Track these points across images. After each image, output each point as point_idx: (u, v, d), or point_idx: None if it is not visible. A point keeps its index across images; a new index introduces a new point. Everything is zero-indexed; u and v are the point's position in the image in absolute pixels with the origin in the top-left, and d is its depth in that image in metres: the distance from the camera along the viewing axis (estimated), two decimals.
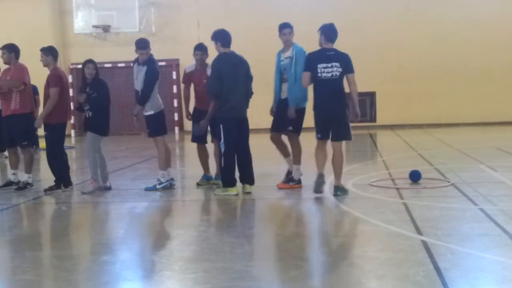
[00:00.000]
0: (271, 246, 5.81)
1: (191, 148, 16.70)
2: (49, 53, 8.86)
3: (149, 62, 8.57)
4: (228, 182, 8.18)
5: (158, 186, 8.69)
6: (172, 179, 8.85)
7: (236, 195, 8.10)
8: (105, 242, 6.04)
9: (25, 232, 6.82)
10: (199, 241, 5.90)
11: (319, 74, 7.95)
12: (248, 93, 8.32)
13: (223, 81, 8.01)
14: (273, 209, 7.76)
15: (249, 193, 8.21)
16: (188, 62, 20.77)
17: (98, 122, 8.82)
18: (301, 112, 8.41)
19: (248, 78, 8.29)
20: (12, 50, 9.06)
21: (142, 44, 8.60)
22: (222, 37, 8.20)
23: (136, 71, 8.61)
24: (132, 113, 8.82)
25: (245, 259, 5.14)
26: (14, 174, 9.33)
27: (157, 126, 8.71)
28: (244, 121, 8.30)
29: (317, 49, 8.12)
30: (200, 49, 8.91)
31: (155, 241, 6.12)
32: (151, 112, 8.62)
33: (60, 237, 6.47)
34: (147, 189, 8.69)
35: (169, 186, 8.76)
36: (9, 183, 9.27)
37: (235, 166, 8.21)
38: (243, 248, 5.54)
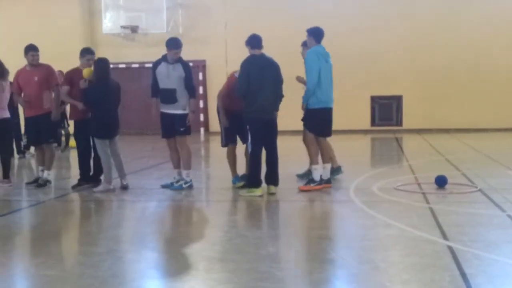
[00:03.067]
0: (295, 248, 5.79)
1: (216, 149, 16.78)
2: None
3: (182, 60, 8.66)
4: (253, 183, 8.21)
5: (184, 186, 8.75)
6: (190, 179, 8.93)
7: (261, 196, 8.11)
8: (130, 240, 6.09)
9: (52, 228, 6.89)
10: (223, 241, 5.92)
11: None
12: (277, 95, 8.31)
13: (250, 82, 8.06)
14: (297, 211, 7.74)
15: (273, 194, 8.21)
16: (215, 63, 20.97)
17: (92, 125, 8.84)
18: (312, 113, 8.43)
19: (277, 80, 8.29)
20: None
21: (179, 44, 8.67)
22: (250, 40, 8.30)
23: (167, 71, 8.63)
24: (192, 110, 8.78)
25: (269, 260, 5.13)
26: (42, 170, 9.45)
27: (189, 126, 8.78)
28: (272, 122, 8.31)
29: None
30: None
31: (179, 240, 6.13)
32: (186, 112, 8.68)
33: (86, 234, 6.53)
34: (173, 189, 8.74)
35: (191, 186, 8.85)
36: (37, 180, 9.38)
37: (261, 167, 8.24)
38: (267, 249, 5.53)
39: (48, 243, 5.99)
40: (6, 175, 9.38)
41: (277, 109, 8.42)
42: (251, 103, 8.10)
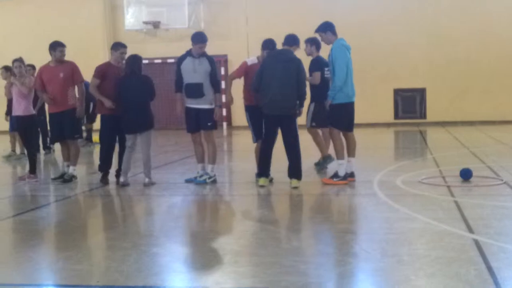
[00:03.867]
0: (318, 242, 5.81)
1: (240, 143, 16.83)
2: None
3: (207, 54, 8.70)
4: (259, 172, 8.59)
5: (208, 180, 8.81)
6: (215, 173, 8.97)
7: (262, 186, 8.34)
8: (155, 234, 6.14)
9: (78, 223, 6.99)
10: (247, 235, 5.94)
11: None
12: (292, 93, 8.27)
13: (262, 78, 8.26)
14: (320, 204, 7.74)
15: (296, 188, 8.24)
16: (236, 58, 20.96)
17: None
18: (339, 108, 8.40)
19: (293, 77, 8.24)
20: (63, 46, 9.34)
21: (204, 38, 8.72)
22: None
23: (192, 65, 8.66)
24: (217, 105, 8.83)
25: (293, 254, 5.14)
26: (68, 166, 9.55)
27: (214, 121, 8.83)
28: (287, 118, 8.32)
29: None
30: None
31: (204, 234, 6.17)
32: (212, 106, 8.71)
33: (112, 228, 6.60)
34: (197, 183, 8.78)
35: (216, 180, 8.89)
36: (63, 175, 9.48)
37: (266, 160, 8.44)
38: (291, 243, 5.55)
39: (74, 237, 6.07)
40: (33, 171, 9.50)
41: (293, 107, 8.36)
42: (262, 98, 8.33)
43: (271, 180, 8.67)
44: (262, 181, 8.47)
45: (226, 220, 6.94)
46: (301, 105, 8.52)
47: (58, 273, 4.94)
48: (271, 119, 8.32)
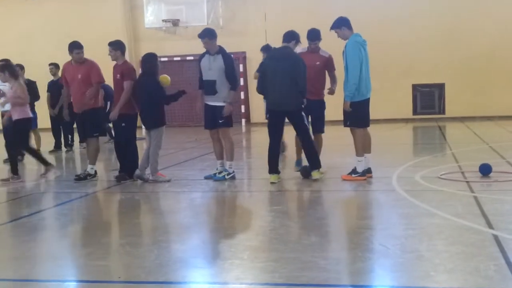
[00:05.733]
0: (338, 238, 5.83)
1: (258, 139, 16.86)
2: (118, 47, 9.11)
3: (223, 51, 8.73)
4: (269, 169, 8.59)
5: (226, 177, 8.86)
6: (233, 170, 9.03)
7: (272, 183, 8.41)
8: (175, 231, 6.20)
9: (99, 220, 7.09)
10: (266, 231, 5.98)
11: None
12: (291, 87, 8.29)
13: (265, 76, 8.48)
14: (339, 200, 7.75)
15: (317, 180, 8.29)
16: (255, 55, 20.96)
17: None
18: (355, 106, 8.39)
19: (292, 73, 8.27)
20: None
21: (204, 33, 8.77)
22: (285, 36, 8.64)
23: (208, 62, 8.73)
24: (228, 102, 8.82)
25: (312, 250, 5.17)
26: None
27: (229, 118, 8.86)
28: (293, 113, 8.39)
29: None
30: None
31: (224, 230, 6.22)
32: (220, 103, 8.76)
33: (132, 225, 6.67)
34: (216, 179, 8.84)
35: (235, 177, 8.95)
36: (88, 175, 9.54)
37: (273, 157, 8.55)
38: (310, 239, 5.57)
39: (96, 234, 6.15)
40: (16, 172, 9.62)
41: (295, 102, 8.38)
42: (267, 95, 8.57)
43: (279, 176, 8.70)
44: (273, 178, 8.50)
45: (245, 216, 6.98)
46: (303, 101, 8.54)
47: (80, 269, 5.02)
48: (277, 114, 8.42)
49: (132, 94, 8.94)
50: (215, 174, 8.97)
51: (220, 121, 8.80)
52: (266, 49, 10.24)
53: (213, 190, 8.40)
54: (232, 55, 9.06)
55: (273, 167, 8.54)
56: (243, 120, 20.72)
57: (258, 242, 5.56)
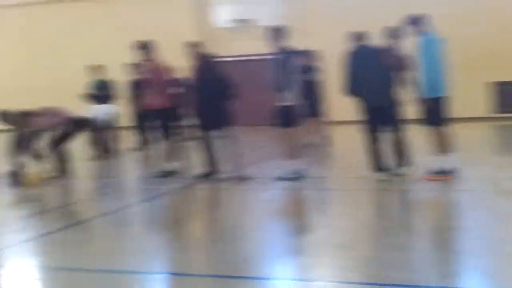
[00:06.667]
0: (423, 238, 5.76)
1: (338, 138, 16.79)
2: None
3: (287, 50, 8.74)
4: (374, 168, 8.42)
5: (290, 176, 8.75)
6: (304, 169, 8.93)
7: (384, 181, 8.21)
8: (259, 227, 6.31)
9: (183, 215, 7.33)
10: (349, 230, 5.99)
11: None
12: (385, 82, 8.27)
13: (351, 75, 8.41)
14: (424, 200, 7.63)
15: (402, 175, 8.27)
16: (325, 54, 20.80)
17: None
18: (426, 103, 8.27)
19: (380, 67, 8.27)
20: (145, 47, 9.55)
21: (271, 33, 8.78)
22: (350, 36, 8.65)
23: (276, 62, 8.78)
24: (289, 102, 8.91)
25: (397, 249, 5.14)
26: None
27: (287, 118, 8.77)
28: (384, 109, 8.32)
29: None
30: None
31: (306, 228, 6.29)
32: (283, 103, 8.74)
33: (218, 220, 6.82)
34: (280, 179, 8.78)
35: (301, 177, 8.79)
36: (171, 171, 9.78)
37: (376, 154, 8.40)
38: (395, 239, 5.54)
39: (185, 229, 6.37)
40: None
41: (388, 96, 8.32)
42: (360, 93, 8.40)
43: (391, 173, 8.50)
44: (380, 175, 8.37)
45: (327, 214, 6.99)
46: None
47: (169, 262, 5.21)
48: (369, 110, 8.35)
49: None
50: (289, 173, 8.95)
51: (284, 121, 8.81)
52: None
53: (290, 188, 8.43)
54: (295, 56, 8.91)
55: (378, 165, 8.44)
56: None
57: (340, 240, 5.58)
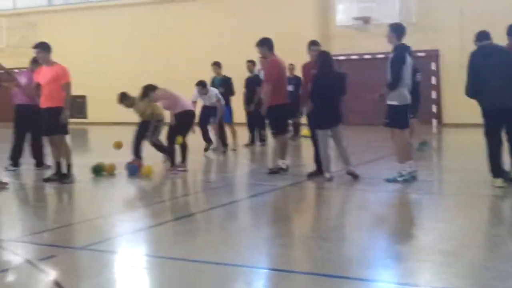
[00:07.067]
0: None
1: (449, 141, 16.31)
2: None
3: (396, 48, 8.55)
4: (492, 171, 8.00)
5: (398, 178, 8.55)
6: (414, 171, 8.69)
7: (500, 187, 7.83)
8: (363, 228, 6.24)
9: (289, 212, 7.39)
10: (458, 236, 5.80)
11: None
12: (509, 83, 7.87)
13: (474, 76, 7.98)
14: None
15: (501, 187, 7.86)
16: (449, 52, 20.24)
17: (314, 116, 9.21)
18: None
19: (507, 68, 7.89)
20: (264, 43, 9.64)
21: (402, 31, 8.62)
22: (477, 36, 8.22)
23: (393, 59, 8.62)
24: (379, 93, 8.68)
25: (511, 259, 4.93)
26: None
27: (397, 118, 8.56)
28: (508, 112, 7.92)
29: None
30: None
31: (412, 231, 6.16)
32: (395, 103, 8.55)
33: (322, 219, 6.82)
34: (388, 181, 8.64)
35: (410, 179, 8.56)
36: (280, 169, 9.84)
37: (497, 156, 7.96)
38: (508, 248, 5.31)
39: (287, 226, 6.42)
40: (173, 163, 10.08)
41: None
42: (483, 96, 7.94)
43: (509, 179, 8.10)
44: (499, 182, 7.94)
45: (437, 219, 6.74)
46: None
47: (274, 258, 5.27)
48: (493, 114, 7.93)
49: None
50: (396, 175, 8.73)
51: (385, 120, 8.61)
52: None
53: (399, 190, 8.23)
54: (401, 54, 8.54)
55: (498, 170, 8.04)
56: (434, 121, 20.05)
57: (450, 246, 5.41)
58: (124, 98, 10.63)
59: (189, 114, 10.29)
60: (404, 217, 7.06)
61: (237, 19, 22.37)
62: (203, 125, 12.94)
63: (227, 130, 13.60)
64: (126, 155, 10.44)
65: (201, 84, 12.51)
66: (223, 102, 12.87)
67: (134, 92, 10.82)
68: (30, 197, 8.72)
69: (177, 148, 10.18)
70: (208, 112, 12.83)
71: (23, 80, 10.25)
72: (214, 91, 12.75)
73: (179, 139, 10.12)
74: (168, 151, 10.28)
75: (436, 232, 6.06)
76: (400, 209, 7.55)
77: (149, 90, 10.23)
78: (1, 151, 9.10)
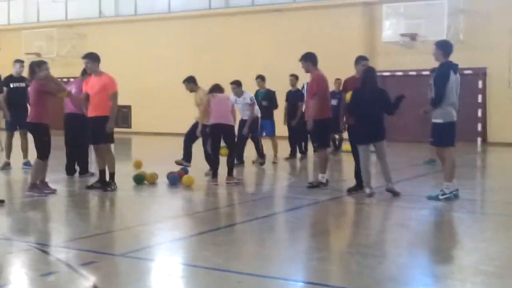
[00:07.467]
0: None
1: (494, 160, 15.99)
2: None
3: (440, 65, 8.46)
4: None
5: (440, 197, 8.42)
6: (456, 190, 8.54)
7: None
8: (403, 246, 6.17)
9: (329, 226, 7.37)
10: (501, 257, 5.68)
11: None
12: None
13: None
14: None
15: None
16: (496, 71, 19.88)
17: (353, 131, 9.24)
18: None
19: None
20: (308, 58, 9.62)
21: (449, 48, 8.55)
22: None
23: (439, 76, 8.54)
24: (424, 110, 8.68)
25: None
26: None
27: (442, 136, 8.45)
28: None
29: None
30: None
31: (451, 251, 6.06)
32: (440, 121, 8.44)
33: (362, 235, 6.75)
34: (430, 198, 8.51)
35: (452, 198, 8.43)
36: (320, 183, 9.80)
37: None
38: None
39: (326, 240, 6.38)
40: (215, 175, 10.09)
41: None
42: None
43: None
44: None
45: (478, 239, 6.61)
46: None
47: (311, 271, 5.25)
48: None
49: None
50: (438, 193, 8.59)
51: (430, 139, 8.52)
52: None
53: (442, 209, 8.11)
54: (446, 71, 8.45)
55: None
56: (479, 139, 19.71)
57: (492, 267, 5.29)
58: (190, 81, 11.09)
59: (218, 127, 10.28)
60: (445, 236, 6.95)
61: (283, 34, 22.45)
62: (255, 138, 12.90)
63: (270, 142, 13.64)
64: (168, 165, 10.54)
65: (235, 83, 12.40)
66: (257, 109, 12.66)
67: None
68: (74, 204, 8.88)
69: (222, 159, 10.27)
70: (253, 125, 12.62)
71: (72, 89, 10.49)
72: (248, 94, 12.61)
73: (223, 150, 10.20)
74: (210, 162, 10.45)
75: (478, 252, 5.94)
76: (441, 227, 7.43)
77: (214, 88, 10.41)
78: (53, 158, 9.31)
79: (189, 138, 11.30)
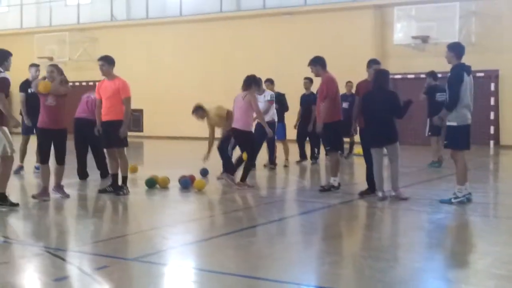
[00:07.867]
0: None
1: (508, 163, 15.89)
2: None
3: (453, 67, 8.42)
4: None
5: (453, 200, 8.39)
6: (469, 193, 8.50)
7: None
8: (415, 250, 6.15)
9: (340, 230, 7.36)
10: None
11: None
12: None
13: None
14: None
15: None
16: (509, 73, 19.78)
17: (365, 134, 9.25)
18: None
19: None
20: (317, 62, 9.62)
21: (461, 50, 8.52)
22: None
23: (452, 79, 8.49)
24: (439, 116, 8.64)
25: None
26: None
27: (456, 139, 8.40)
28: None
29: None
30: None
31: (465, 254, 6.03)
32: (454, 124, 8.40)
33: (373, 239, 6.74)
34: (443, 202, 8.48)
35: (465, 201, 8.40)
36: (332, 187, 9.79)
37: None
38: None
39: (338, 244, 6.37)
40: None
41: None
42: None
43: None
44: None
45: (491, 242, 6.58)
46: None
47: (323, 275, 5.25)
48: None
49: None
50: (450, 197, 8.55)
51: (444, 141, 8.49)
52: None
53: (454, 212, 8.08)
54: (460, 73, 8.37)
55: None
56: (491, 142, 19.60)
57: (505, 271, 5.27)
58: (198, 110, 11.03)
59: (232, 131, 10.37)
60: (458, 239, 6.93)
61: (294, 37, 22.46)
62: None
63: (281, 146, 13.63)
64: (180, 169, 10.56)
65: (267, 81, 12.57)
66: (274, 112, 12.61)
67: (191, 107, 11.07)
68: (87, 208, 8.92)
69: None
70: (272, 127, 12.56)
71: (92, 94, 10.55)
72: (269, 92, 12.62)
73: (245, 154, 10.25)
74: (227, 166, 10.50)
75: (491, 255, 5.91)
76: (454, 231, 7.40)
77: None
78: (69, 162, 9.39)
79: (223, 148, 11.02)
